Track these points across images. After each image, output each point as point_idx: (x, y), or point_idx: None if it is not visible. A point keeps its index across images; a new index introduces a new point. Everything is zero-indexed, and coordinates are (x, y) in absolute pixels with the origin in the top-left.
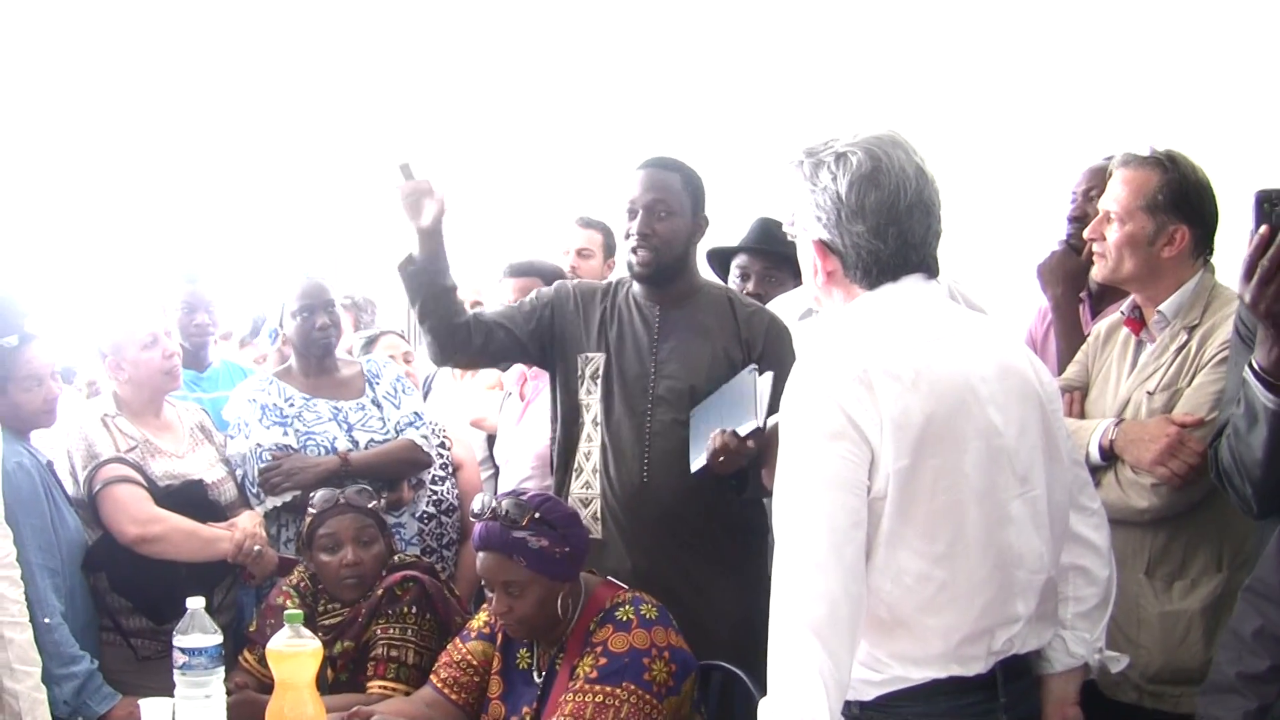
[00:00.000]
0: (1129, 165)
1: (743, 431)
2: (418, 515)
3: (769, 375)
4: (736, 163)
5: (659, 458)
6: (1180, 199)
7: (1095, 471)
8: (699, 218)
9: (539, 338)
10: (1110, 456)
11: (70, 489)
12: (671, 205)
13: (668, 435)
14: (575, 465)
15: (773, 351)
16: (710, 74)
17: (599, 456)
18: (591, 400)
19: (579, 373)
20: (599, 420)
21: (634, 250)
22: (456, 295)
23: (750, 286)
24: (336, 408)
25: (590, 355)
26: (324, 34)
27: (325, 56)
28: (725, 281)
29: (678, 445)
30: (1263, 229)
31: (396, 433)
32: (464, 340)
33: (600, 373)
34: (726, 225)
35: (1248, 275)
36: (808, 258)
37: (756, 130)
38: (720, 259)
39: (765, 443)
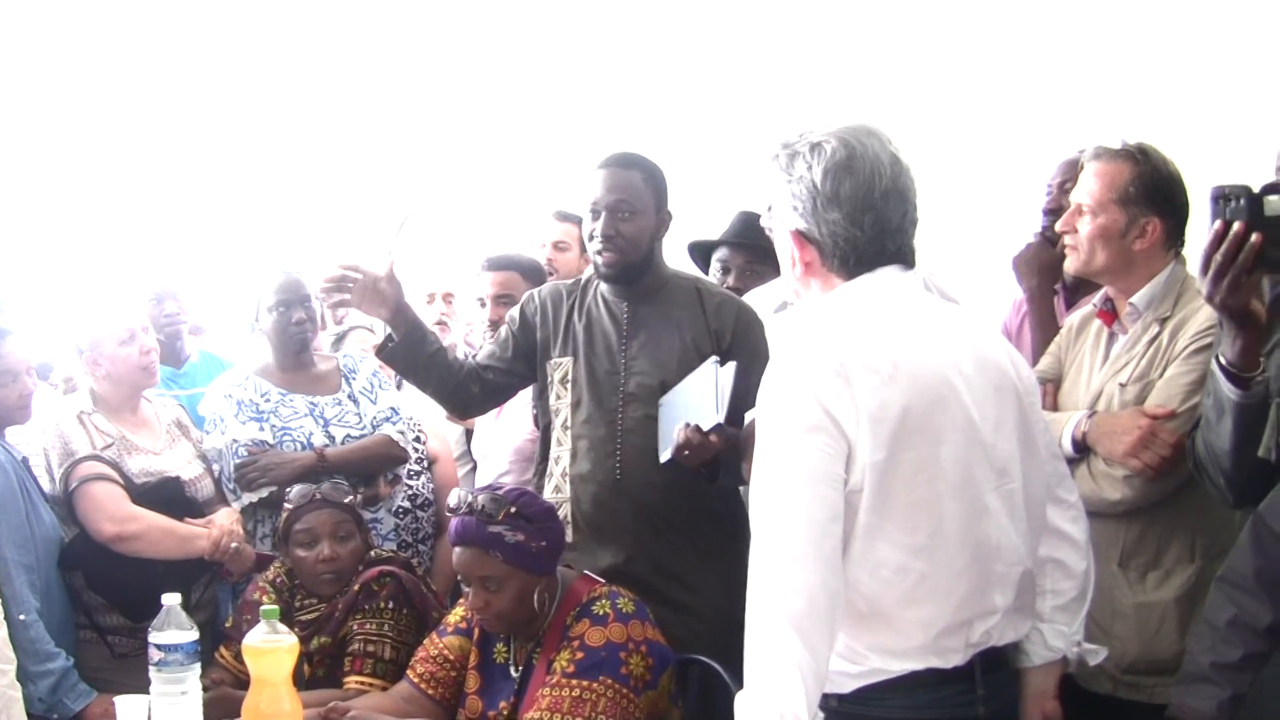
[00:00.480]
0: (1101, 158)
1: (705, 426)
2: (393, 510)
3: (731, 366)
4: (719, 156)
5: (631, 454)
6: (1152, 191)
7: (1068, 463)
8: (663, 213)
9: (524, 358)
10: (1083, 448)
11: (46, 486)
12: (634, 204)
13: (639, 431)
14: (548, 471)
15: (742, 340)
16: (692, 66)
17: (567, 459)
18: (560, 405)
19: (549, 379)
20: (568, 424)
21: (599, 252)
22: (446, 354)
23: (731, 280)
24: (313, 403)
25: (559, 361)
26: (298, 28)
27: (300, 50)
28: (706, 274)
29: (650, 441)
30: (1216, 224)
31: (373, 428)
32: (469, 393)
33: (569, 376)
34: (709, 218)
35: (1204, 270)
36: (785, 249)
37: (740, 123)
38: (702, 252)
39: (735, 436)
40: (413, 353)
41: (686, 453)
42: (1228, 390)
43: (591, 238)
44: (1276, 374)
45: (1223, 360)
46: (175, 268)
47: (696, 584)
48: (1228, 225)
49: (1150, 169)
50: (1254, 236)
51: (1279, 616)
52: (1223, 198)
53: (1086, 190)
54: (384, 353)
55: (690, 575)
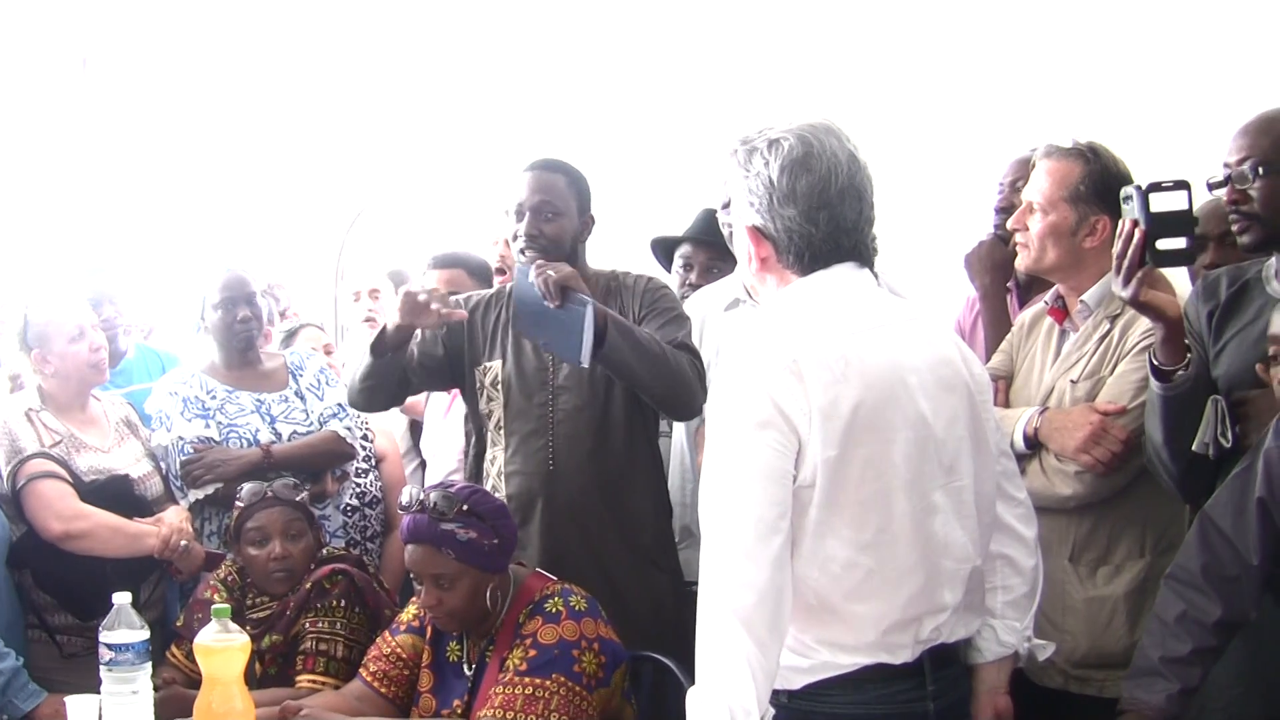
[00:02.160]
0: (1051, 156)
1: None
2: (341, 507)
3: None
4: (682, 153)
5: (563, 444)
6: (1102, 190)
7: (1020, 459)
8: (586, 216)
9: (450, 360)
10: (1035, 445)
11: None
12: (558, 206)
13: (570, 421)
14: (484, 472)
15: (651, 304)
16: (654, 65)
17: (503, 460)
18: (493, 408)
19: (478, 384)
20: (501, 424)
21: (523, 251)
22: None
23: (693, 277)
24: (259, 400)
25: (488, 365)
26: (246, 30)
27: (245, 49)
28: (669, 271)
29: (580, 430)
30: (1120, 223)
31: (320, 424)
32: (402, 389)
33: (498, 379)
34: (673, 216)
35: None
36: (742, 245)
37: (702, 121)
38: (664, 249)
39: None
40: (395, 365)
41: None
42: (1153, 384)
43: (515, 238)
44: (1225, 372)
45: (1154, 358)
46: (112, 270)
47: (629, 574)
48: (1134, 224)
49: (1100, 167)
50: (1136, 232)
51: (1228, 612)
52: (1126, 197)
53: (1037, 188)
54: (374, 347)
55: (622, 565)
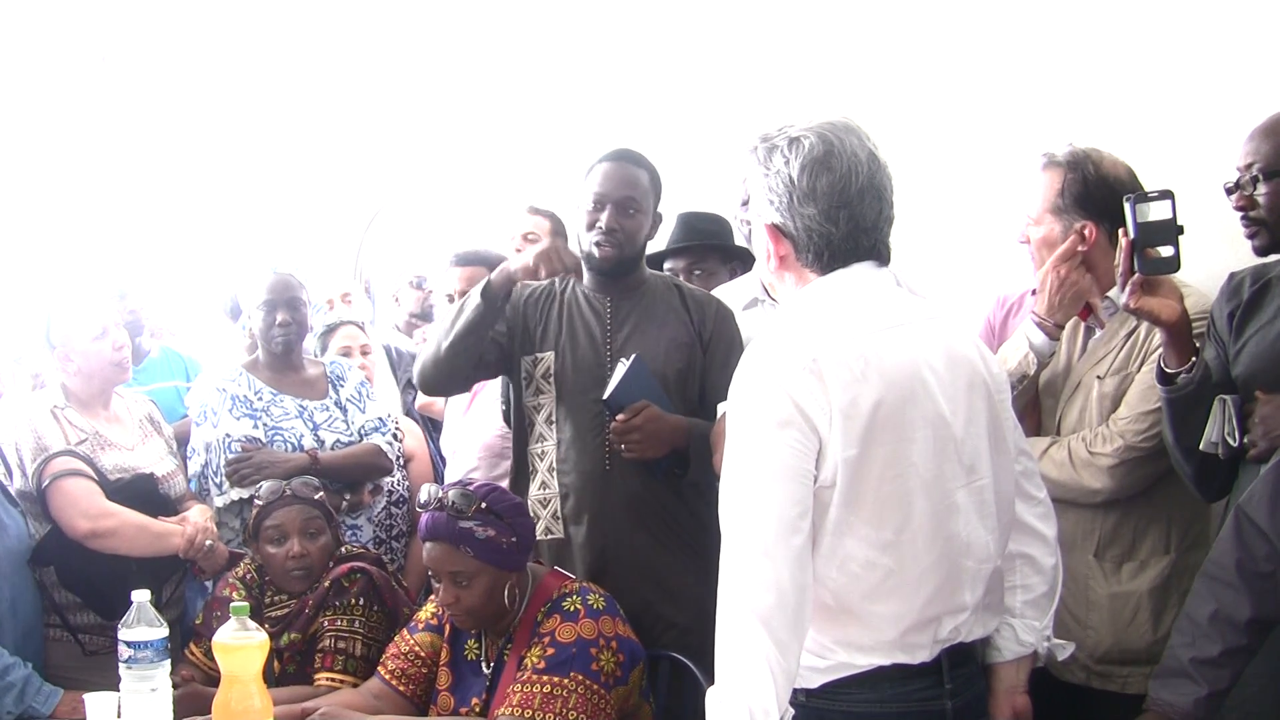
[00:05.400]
0: (1042, 167)
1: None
2: (373, 519)
3: (633, 357)
4: (702, 154)
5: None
6: (1082, 198)
7: (1047, 451)
8: (656, 214)
9: (512, 342)
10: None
11: (18, 483)
12: (640, 203)
13: None
14: (530, 468)
15: (721, 333)
16: (673, 66)
17: (554, 455)
18: (543, 400)
19: (525, 374)
20: (553, 419)
21: (598, 244)
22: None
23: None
24: (303, 406)
25: (540, 356)
26: (268, 30)
27: (268, 49)
28: None
29: None
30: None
31: (360, 436)
32: (474, 373)
33: (551, 371)
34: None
35: None
36: (761, 242)
37: (717, 122)
38: (653, 265)
39: (632, 413)
40: (493, 319)
41: (623, 447)
42: (1157, 387)
43: (591, 228)
44: (1244, 370)
45: (1161, 360)
46: (138, 267)
47: (683, 574)
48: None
49: (1078, 176)
50: (1123, 240)
51: (1259, 610)
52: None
53: (1030, 201)
54: (485, 292)
55: (672, 569)
